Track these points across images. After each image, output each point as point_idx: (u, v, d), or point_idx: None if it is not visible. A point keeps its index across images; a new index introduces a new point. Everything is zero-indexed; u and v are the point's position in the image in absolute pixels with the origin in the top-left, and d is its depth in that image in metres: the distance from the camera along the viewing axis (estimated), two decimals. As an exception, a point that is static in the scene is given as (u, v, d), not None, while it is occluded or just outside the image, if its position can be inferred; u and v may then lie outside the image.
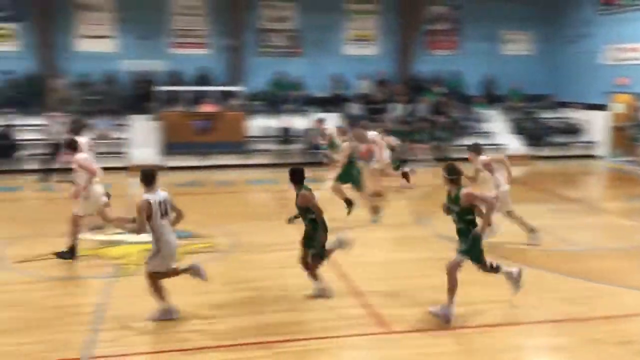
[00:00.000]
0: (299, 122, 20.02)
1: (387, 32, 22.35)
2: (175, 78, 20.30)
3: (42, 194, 14.89)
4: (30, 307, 7.01)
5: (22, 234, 10.37)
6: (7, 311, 6.83)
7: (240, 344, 6.05)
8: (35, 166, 16.61)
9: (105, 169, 17.98)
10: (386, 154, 13.74)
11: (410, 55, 22.23)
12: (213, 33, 21.20)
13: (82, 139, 9.95)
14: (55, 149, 15.83)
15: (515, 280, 7.18)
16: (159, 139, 18.66)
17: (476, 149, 10.12)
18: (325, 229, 7.18)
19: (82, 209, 9.04)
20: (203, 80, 20.40)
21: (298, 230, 10.56)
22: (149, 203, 6.44)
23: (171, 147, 18.35)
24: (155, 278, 6.67)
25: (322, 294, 7.34)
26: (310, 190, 7.19)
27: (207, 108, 19.07)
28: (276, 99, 20.97)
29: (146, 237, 10.00)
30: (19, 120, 18.12)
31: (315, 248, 7.21)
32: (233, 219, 11.56)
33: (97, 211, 9.32)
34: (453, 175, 6.69)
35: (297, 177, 7.25)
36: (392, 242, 10.15)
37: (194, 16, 21.08)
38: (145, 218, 6.44)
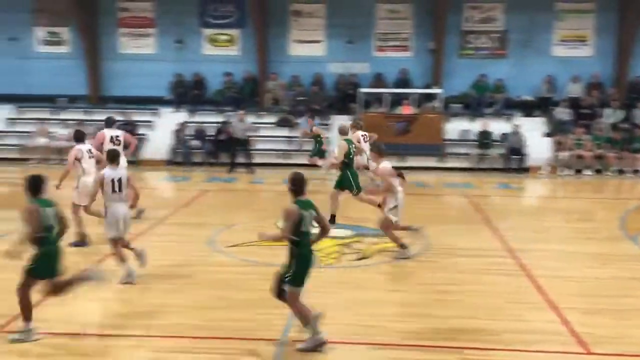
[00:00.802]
0: (499, 126, 19.44)
1: (603, 31, 20.71)
2: (377, 80, 20.85)
3: (249, 186, 16.26)
4: (238, 288, 7.69)
5: (233, 221, 11.47)
6: (218, 290, 7.60)
7: (424, 345, 6.08)
8: (249, 160, 18.21)
9: (308, 165, 19.23)
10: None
11: (628, 56, 20.37)
12: (415, 36, 21.38)
13: (111, 132, 11.40)
14: (240, 144, 17.36)
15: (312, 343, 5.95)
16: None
17: (378, 150, 9.20)
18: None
19: (77, 199, 9.56)
20: (403, 82, 20.67)
21: (494, 236, 10.37)
22: (102, 176, 7.68)
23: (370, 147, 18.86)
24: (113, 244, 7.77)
25: None
26: (37, 203, 5.98)
27: (406, 110, 19.33)
28: (476, 101, 20.55)
29: (342, 232, 10.51)
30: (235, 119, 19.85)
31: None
32: (427, 220, 11.54)
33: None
34: (292, 186, 5.94)
35: (30, 187, 6.06)
36: (595, 257, 9.47)
37: (398, 20, 21.43)
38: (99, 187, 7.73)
